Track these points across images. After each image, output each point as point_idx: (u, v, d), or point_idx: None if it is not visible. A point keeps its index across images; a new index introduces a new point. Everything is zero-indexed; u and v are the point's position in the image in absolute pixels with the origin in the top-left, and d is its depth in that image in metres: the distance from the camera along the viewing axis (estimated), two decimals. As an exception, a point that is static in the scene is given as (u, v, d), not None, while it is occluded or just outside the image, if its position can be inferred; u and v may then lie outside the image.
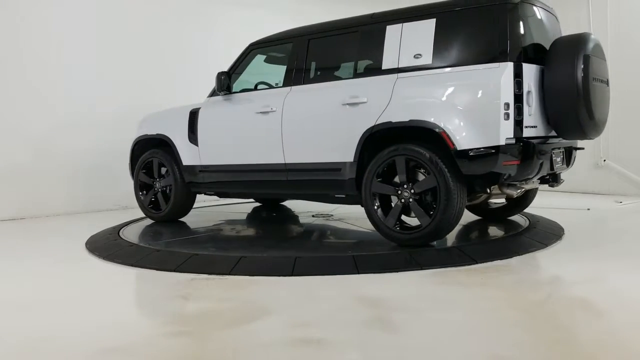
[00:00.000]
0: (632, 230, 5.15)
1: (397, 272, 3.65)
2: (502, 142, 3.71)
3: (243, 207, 6.71)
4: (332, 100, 4.34)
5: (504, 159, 3.73)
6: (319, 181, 4.50)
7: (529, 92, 3.81)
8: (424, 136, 3.96)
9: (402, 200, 4.03)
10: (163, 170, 5.50)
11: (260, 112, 4.69)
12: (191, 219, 5.70)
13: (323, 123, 4.39)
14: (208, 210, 6.51)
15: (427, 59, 4.02)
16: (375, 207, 4.15)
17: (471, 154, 3.76)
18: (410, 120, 3.94)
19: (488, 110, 3.73)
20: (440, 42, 4.00)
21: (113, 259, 4.25)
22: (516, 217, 5.27)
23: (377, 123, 4.06)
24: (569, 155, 4.51)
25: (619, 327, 2.63)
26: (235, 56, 5.20)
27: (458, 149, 3.76)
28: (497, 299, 3.08)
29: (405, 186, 4.02)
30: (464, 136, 3.77)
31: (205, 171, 5.14)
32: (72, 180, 6.91)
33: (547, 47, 4.10)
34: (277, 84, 4.93)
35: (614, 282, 3.42)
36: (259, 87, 5.09)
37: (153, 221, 5.64)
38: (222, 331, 2.69)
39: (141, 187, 5.64)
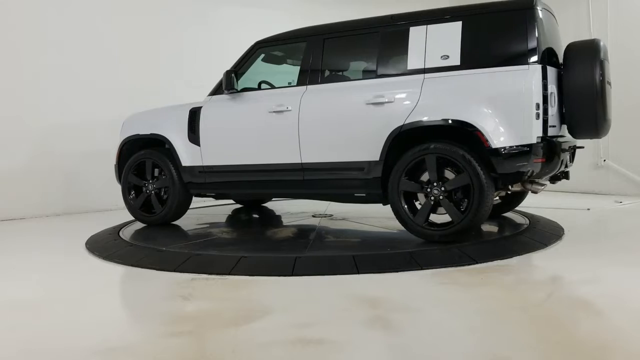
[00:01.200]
0: (632, 230, 5.15)
1: (397, 272, 3.65)
2: (534, 141, 3.89)
3: (224, 209, 6.61)
4: (355, 99, 4.37)
5: (534, 157, 3.92)
6: (339, 180, 4.49)
7: (551, 93, 4.02)
8: (454, 135, 4.09)
9: (432, 198, 4.12)
10: (154, 171, 5.30)
11: (274, 112, 4.62)
12: (180, 221, 5.54)
13: (345, 122, 4.39)
14: (192, 212, 6.29)
15: (454, 60, 4.13)
16: (404, 205, 4.22)
17: (505, 152, 3.92)
18: (443, 120, 4.05)
19: (522, 110, 3.89)
20: (468, 44, 4.12)
21: (113, 259, 4.25)
22: (516, 217, 5.27)
23: (406, 122, 4.13)
24: (572, 153, 4.68)
25: (619, 327, 2.63)
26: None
27: (492, 147, 3.91)
28: (497, 299, 3.08)
29: (435, 184, 4.11)
30: (498, 135, 3.92)
31: (208, 172, 5.00)
32: (71, 180, 6.92)
33: (556, 50, 4.25)
34: (290, 83, 4.89)
35: (614, 282, 3.41)
36: (262, 86, 5.04)
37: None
38: (222, 331, 2.69)
39: (129, 189, 5.40)
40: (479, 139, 3.94)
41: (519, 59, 3.98)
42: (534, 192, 4.37)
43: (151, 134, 5.26)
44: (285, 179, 4.69)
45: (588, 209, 6.12)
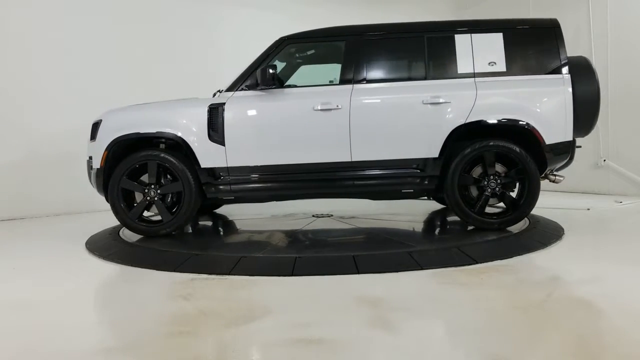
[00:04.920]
0: (632, 230, 5.15)
1: (397, 272, 3.65)
2: (571, 138, 4.60)
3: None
4: (411, 99, 4.60)
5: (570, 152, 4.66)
6: (391, 177, 4.63)
7: None
8: (506, 133, 4.60)
9: (489, 191, 4.60)
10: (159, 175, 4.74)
11: (321, 109, 4.58)
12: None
13: (403, 121, 4.59)
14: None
15: (501, 66, 4.65)
16: (460, 198, 4.60)
17: (556, 148, 4.57)
18: (503, 119, 4.54)
19: (565, 112, 4.56)
20: (510, 53, 4.67)
21: (113, 259, 4.25)
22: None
23: (467, 121, 4.53)
24: None
25: (619, 327, 2.63)
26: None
27: (547, 143, 4.52)
28: (497, 299, 3.08)
29: (491, 178, 4.60)
30: (549, 133, 4.54)
31: (234, 174, 4.67)
32: (71, 180, 6.91)
33: None
34: (331, 81, 4.91)
35: (614, 282, 3.42)
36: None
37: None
38: (222, 331, 2.69)
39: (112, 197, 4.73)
40: (534, 136, 4.51)
41: (555, 68, 4.64)
42: (557, 182, 4.84)
43: (158, 132, 4.70)
44: (332, 177, 4.65)
45: (588, 209, 6.13)
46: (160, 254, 4.20)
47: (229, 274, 3.70)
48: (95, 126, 4.89)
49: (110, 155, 4.76)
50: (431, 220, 5.73)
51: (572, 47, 7.44)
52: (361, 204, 6.53)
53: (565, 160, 4.70)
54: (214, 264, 3.91)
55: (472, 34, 4.71)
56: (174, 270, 3.83)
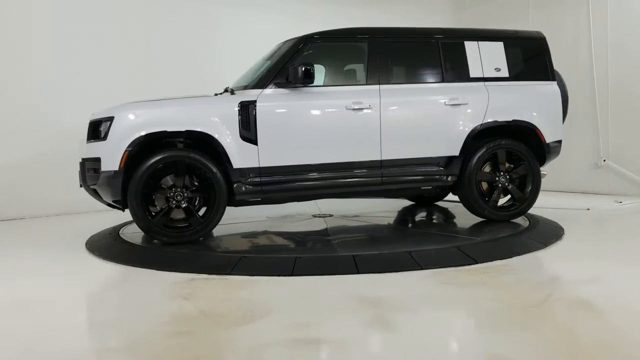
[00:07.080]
0: (632, 230, 5.16)
1: (397, 272, 3.65)
2: (562, 137, 5.23)
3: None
4: (436, 100, 4.90)
5: None
6: (418, 175, 4.85)
7: None
8: (514, 133, 5.06)
9: (500, 185, 5.03)
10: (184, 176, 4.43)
11: (353, 109, 4.65)
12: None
13: (430, 121, 4.87)
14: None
15: (505, 72, 5.11)
16: (478, 194, 4.95)
17: (553, 145, 5.14)
18: (513, 120, 5.00)
19: (557, 114, 5.17)
20: (510, 60, 5.15)
21: (113, 259, 4.25)
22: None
23: (484, 122, 4.93)
24: None
25: (619, 327, 2.63)
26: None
27: (547, 142, 5.07)
28: (497, 299, 3.08)
29: (502, 173, 5.03)
30: (547, 132, 5.08)
31: (266, 173, 4.52)
32: (71, 180, 6.90)
33: None
34: (358, 80, 5.04)
35: (614, 282, 3.42)
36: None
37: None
38: (222, 331, 2.69)
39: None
40: (537, 135, 5.02)
41: (546, 75, 5.19)
42: (544, 177, 5.18)
43: (187, 131, 4.38)
44: (362, 176, 4.72)
45: (588, 209, 6.13)
46: (160, 254, 4.20)
47: (229, 274, 3.70)
48: (99, 124, 4.42)
49: (129, 155, 4.31)
50: (429, 219, 5.73)
51: (573, 47, 7.45)
52: (360, 203, 6.54)
53: (556, 155, 5.24)
54: (214, 264, 3.91)
55: (479, 42, 5.09)
56: (174, 270, 3.83)
